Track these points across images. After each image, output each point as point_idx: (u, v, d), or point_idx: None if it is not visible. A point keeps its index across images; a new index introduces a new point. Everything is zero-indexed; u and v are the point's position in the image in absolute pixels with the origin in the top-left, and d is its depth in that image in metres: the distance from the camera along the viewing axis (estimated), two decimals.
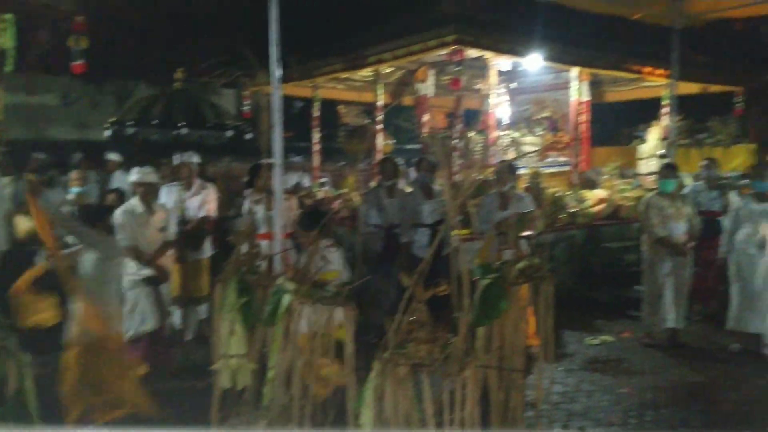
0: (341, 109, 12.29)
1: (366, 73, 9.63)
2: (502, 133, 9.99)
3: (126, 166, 7.79)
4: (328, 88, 10.65)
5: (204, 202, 6.07)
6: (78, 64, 5.89)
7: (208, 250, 6.12)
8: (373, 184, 8.60)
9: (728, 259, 5.95)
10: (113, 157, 9.17)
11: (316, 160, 10.24)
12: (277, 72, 4.59)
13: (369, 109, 12.54)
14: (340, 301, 3.16)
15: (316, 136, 10.15)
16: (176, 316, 5.85)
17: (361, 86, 10.76)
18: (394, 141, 11.40)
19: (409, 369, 2.51)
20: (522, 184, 7.98)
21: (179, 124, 5.07)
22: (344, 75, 9.88)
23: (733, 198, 6.67)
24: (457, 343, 2.54)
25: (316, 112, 10.08)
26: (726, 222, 6.19)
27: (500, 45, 7.93)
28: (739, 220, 5.88)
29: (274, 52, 4.58)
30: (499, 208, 5.54)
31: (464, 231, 6.60)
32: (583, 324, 6.72)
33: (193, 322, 6.03)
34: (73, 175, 7.20)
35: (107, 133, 5.56)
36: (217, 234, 6.48)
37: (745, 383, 5.11)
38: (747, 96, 10.17)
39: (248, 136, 6.08)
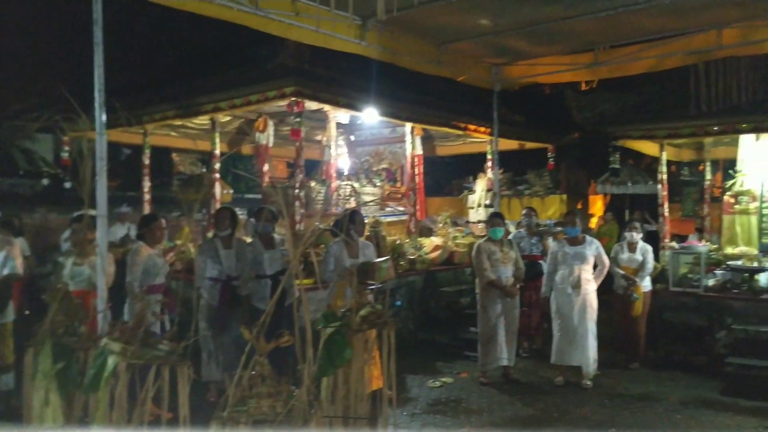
0: (175, 157, 11.80)
1: (202, 120, 9.35)
2: (342, 183, 10.19)
3: None
4: (160, 135, 10.16)
5: (7, 259, 5.38)
6: None
7: (11, 312, 5.41)
8: (209, 234, 8.26)
9: (550, 299, 6.49)
10: None
11: (147, 210, 9.61)
12: (101, 117, 4.29)
13: (205, 157, 12.17)
14: (174, 359, 2.91)
15: (147, 184, 9.56)
16: None
17: (197, 134, 10.41)
18: (233, 190, 11.13)
19: (250, 426, 2.36)
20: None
21: None
22: (178, 122, 9.50)
23: (551, 243, 7.35)
24: (301, 395, 2.45)
25: (146, 160, 9.53)
26: (546, 265, 6.80)
27: (338, 99, 8.15)
28: (556, 262, 6.46)
29: (98, 96, 4.29)
30: (348, 256, 5.57)
31: (307, 281, 6.54)
32: (425, 367, 6.90)
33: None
34: None
35: None
36: (27, 294, 5.77)
37: (568, 413, 5.53)
38: (557, 152, 11.44)
39: (67, 185, 5.52)
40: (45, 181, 5.07)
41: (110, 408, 2.83)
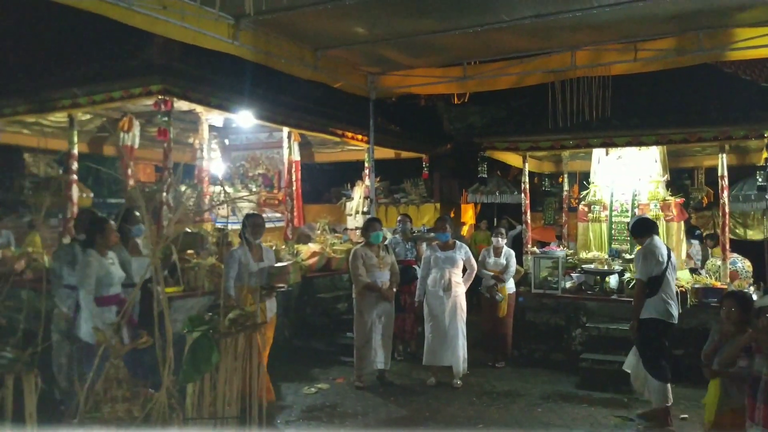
0: (28, 157, 10.79)
1: (59, 117, 8.63)
2: (216, 188, 9.82)
3: None
4: (10, 132, 9.25)
5: None
6: None
7: None
8: (66, 240, 7.61)
9: (423, 302, 6.66)
10: None
11: None
12: None
13: (63, 158, 11.25)
14: (19, 367, 2.64)
15: None
16: None
17: (53, 132, 9.57)
18: (94, 194, 10.38)
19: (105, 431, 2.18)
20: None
21: None
22: (31, 119, 8.71)
23: (424, 248, 7.56)
24: (160, 398, 2.30)
25: None
26: (419, 270, 6.98)
27: (210, 99, 7.86)
28: (429, 266, 6.65)
29: None
30: (254, 260, 5.53)
31: (173, 288, 6.23)
32: (301, 374, 6.80)
33: None
34: None
35: None
36: None
37: (439, 413, 5.68)
38: (431, 162, 11.82)
39: None
40: None
41: None
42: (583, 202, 8.96)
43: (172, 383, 2.53)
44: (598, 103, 7.95)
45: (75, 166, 8.26)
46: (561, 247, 9.02)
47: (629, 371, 5.67)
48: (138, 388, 2.29)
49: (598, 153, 8.89)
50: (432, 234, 8.14)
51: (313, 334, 8.12)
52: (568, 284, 7.69)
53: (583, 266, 7.79)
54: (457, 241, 6.93)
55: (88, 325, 4.21)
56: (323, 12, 6.72)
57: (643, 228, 5.73)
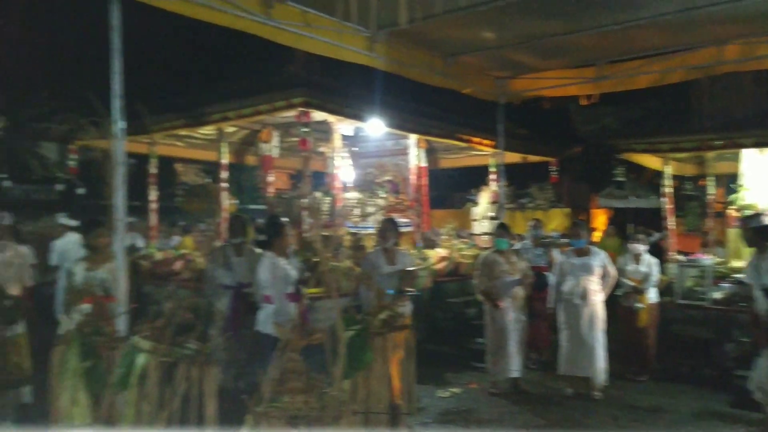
0: (179, 167, 11.83)
1: (208, 131, 9.39)
2: (347, 195, 10.21)
3: None
4: (165, 144, 10.19)
5: (20, 268, 5.38)
6: None
7: (22, 324, 5.35)
8: (218, 243, 8.27)
9: (557, 310, 6.51)
10: None
11: (153, 219, 9.63)
12: (120, 125, 4.31)
13: (209, 167, 12.20)
14: (202, 359, 2.93)
15: (153, 194, 9.56)
16: None
17: (201, 144, 10.43)
18: (237, 201, 11.16)
19: (285, 422, 2.37)
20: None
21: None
22: (184, 132, 9.54)
23: (556, 254, 7.39)
24: (334, 392, 2.46)
25: (152, 170, 9.54)
26: (552, 276, 6.83)
27: (345, 110, 8.21)
28: (563, 273, 6.49)
29: (115, 102, 4.31)
30: (386, 264, 5.74)
31: (315, 290, 6.56)
32: (433, 378, 6.88)
33: (13, 403, 5.18)
34: None
35: None
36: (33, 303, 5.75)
37: (579, 424, 5.52)
38: (559, 166, 11.52)
39: (80, 191, 5.52)
40: (59, 188, 5.06)
41: (139, 405, 2.83)
42: (732, 206, 8.32)
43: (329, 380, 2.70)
44: (750, 99, 7.37)
45: (224, 175, 8.93)
46: (708, 255, 8.43)
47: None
48: (313, 381, 2.47)
49: (748, 153, 8.23)
50: (565, 240, 7.94)
51: (444, 338, 8.18)
52: (718, 295, 7.16)
53: (734, 275, 7.23)
54: (592, 248, 6.72)
55: (271, 319, 4.55)
56: (454, 20, 6.81)
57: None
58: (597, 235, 12.41)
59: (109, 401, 3.17)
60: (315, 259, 7.14)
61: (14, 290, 5.22)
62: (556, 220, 11.51)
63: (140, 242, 8.99)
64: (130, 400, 2.86)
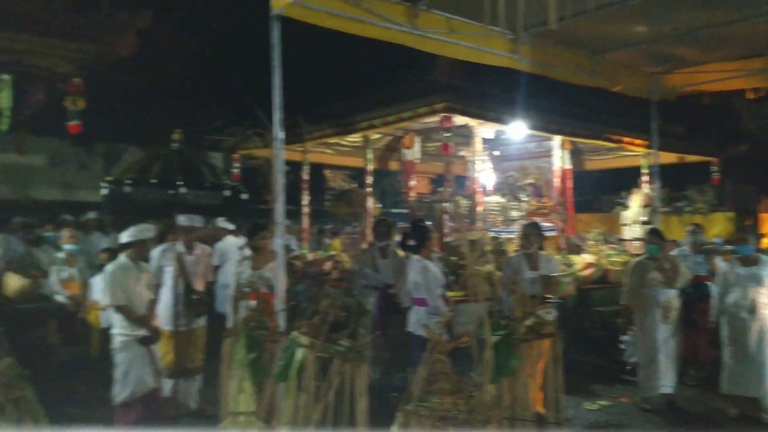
0: (328, 173, 12.45)
1: (355, 138, 9.81)
2: (487, 198, 10.16)
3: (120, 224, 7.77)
4: (316, 152, 10.80)
5: (205, 267, 5.99)
6: (74, 124, 5.90)
7: (203, 318, 5.96)
8: (364, 245, 8.63)
9: (719, 323, 6.00)
10: (91, 216, 9.13)
11: (305, 222, 10.26)
12: (280, 135, 4.65)
13: (354, 173, 12.72)
14: (353, 356, 3.10)
15: (305, 199, 10.19)
16: (167, 385, 5.63)
17: (348, 151, 10.92)
18: (381, 205, 11.51)
19: (434, 421, 2.45)
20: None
21: (177, 183, 5.05)
22: (333, 140, 10.04)
23: (720, 263, 6.80)
24: (483, 395, 2.50)
25: (305, 176, 10.18)
26: (715, 286, 6.29)
27: (487, 113, 8.19)
28: (727, 284, 5.97)
29: (276, 114, 4.65)
30: (528, 269, 5.67)
31: (457, 293, 6.61)
32: (579, 388, 6.63)
33: (191, 392, 5.81)
34: (66, 233, 7.07)
35: (103, 191, 5.50)
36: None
37: None
38: (722, 166, 10.57)
39: (244, 196, 6.07)
40: (226, 193, 5.63)
41: (298, 396, 3.06)
42: None
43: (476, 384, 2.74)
44: None
45: (369, 180, 9.28)
46: None
47: None
48: (462, 383, 2.53)
49: None
50: (730, 247, 7.29)
51: (590, 348, 7.85)
52: None
53: None
54: (762, 256, 6.10)
55: (424, 321, 4.71)
56: (604, 15, 6.52)
57: None
58: (766, 242, 11.22)
59: (270, 391, 3.46)
60: (457, 263, 7.22)
61: (199, 286, 5.81)
62: (717, 226, 10.57)
63: (294, 244, 9.59)
64: (289, 391, 3.10)
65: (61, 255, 6.86)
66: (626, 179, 11.49)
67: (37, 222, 8.34)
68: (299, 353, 3.06)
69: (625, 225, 11.03)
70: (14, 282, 5.41)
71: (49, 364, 5.71)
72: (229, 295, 7.69)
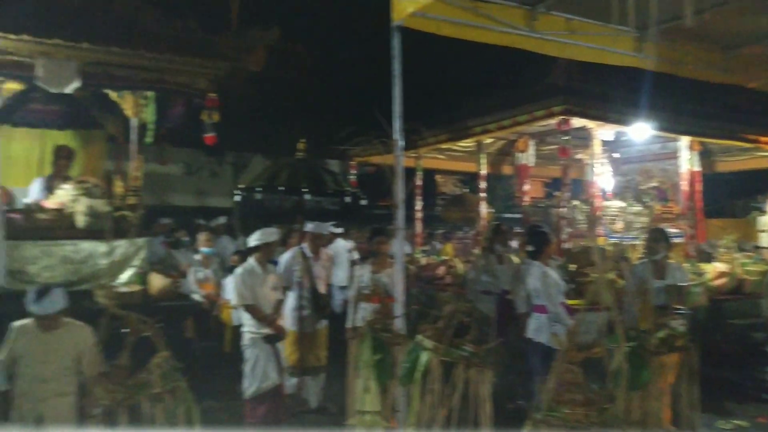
0: (439, 178, 12.53)
1: (467, 143, 9.79)
2: (607, 203, 9.76)
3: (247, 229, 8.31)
4: (428, 157, 10.89)
5: (328, 271, 6.26)
6: (210, 136, 6.36)
7: (326, 320, 6.22)
8: (477, 250, 8.59)
9: None
10: (222, 221, 9.83)
11: (418, 227, 10.39)
12: (400, 143, 4.74)
13: (465, 178, 12.71)
14: (477, 361, 3.12)
15: (418, 204, 10.32)
16: (292, 383, 5.93)
17: (460, 156, 10.92)
18: (494, 210, 11.40)
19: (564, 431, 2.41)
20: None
21: (302, 190, 5.35)
22: (445, 145, 10.08)
23: None
24: (617, 408, 2.43)
25: (418, 181, 10.31)
26: None
27: (607, 115, 7.89)
28: None
29: (396, 122, 4.75)
30: (654, 278, 5.42)
31: (576, 301, 6.41)
32: (712, 406, 6.20)
33: (314, 390, 6.09)
34: (202, 237, 7.67)
35: (236, 198, 5.96)
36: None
37: None
38: None
39: (363, 202, 6.29)
40: (347, 199, 5.86)
41: (423, 399, 3.13)
42: None
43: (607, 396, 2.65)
44: None
45: (482, 185, 9.24)
46: None
47: None
48: (593, 394, 2.47)
49: None
50: None
51: (724, 363, 7.31)
52: None
53: None
54: None
55: (545, 329, 4.67)
56: (742, 8, 6.08)
57: None
58: None
59: (394, 392, 3.56)
60: (577, 270, 7.00)
61: (322, 289, 6.08)
62: None
63: (407, 248, 9.73)
64: (414, 394, 3.18)
65: (197, 257, 7.45)
66: (763, 181, 10.60)
67: (175, 226, 9.08)
68: (423, 357, 3.13)
69: (762, 231, 10.18)
70: (157, 281, 5.92)
71: (187, 357, 6.17)
72: (340, 296, 8.00)
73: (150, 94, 6.44)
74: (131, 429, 3.58)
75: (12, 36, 5.32)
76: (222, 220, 9.65)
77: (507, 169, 11.36)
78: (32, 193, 6.58)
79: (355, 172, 10.53)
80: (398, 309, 4.38)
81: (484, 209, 9.31)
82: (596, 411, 2.42)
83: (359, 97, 8.84)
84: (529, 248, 5.26)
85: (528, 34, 5.87)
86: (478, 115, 8.54)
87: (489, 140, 9.79)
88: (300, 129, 7.80)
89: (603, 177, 10.51)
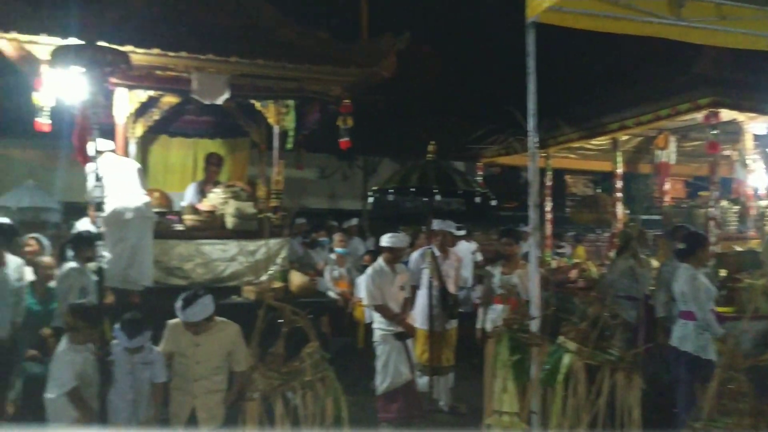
0: (569, 178, 12.11)
1: (601, 141, 9.38)
2: (761, 203, 8.93)
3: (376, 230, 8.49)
4: (557, 157, 10.57)
5: (457, 271, 6.29)
6: (345, 141, 6.62)
7: (456, 320, 6.25)
8: (611, 253, 8.21)
9: None
10: (353, 222, 10.17)
11: (548, 229, 10.11)
12: (535, 142, 4.64)
13: (597, 177, 12.16)
14: (625, 365, 3.00)
15: (548, 205, 10.04)
16: (423, 382, 6.01)
17: (592, 155, 10.48)
18: (629, 211, 10.83)
19: None
20: None
21: (434, 191, 5.40)
22: (576, 144, 9.73)
23: None
24: None
25: (548, 182, 10.04)
26: None
27: (761, 106, 7.22)
28: None
29: (530, 121, 4.65)
30: None
31: (724, 308, 5.94)
32: None
33: (444, 389, 6.15)
34: (337, 237, 8.02)
35: (369, 199, 6.18)
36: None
37: None
38: None
39: (493, 203, 6.19)
40: (477, 200, 5.80)
41: (565, 401, 3.06)
42: None
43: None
44: None
45: (618, 185, 8.82)
46: None
47: None
48: (764, 405, 2.29)
49: None
50: None
51: None
52: None
53: None
54: None
55: (692, 337, 4.42)
56: None
57: None
58: None
59: (533, 393, 3.50)
60: (728, 276, 6.49)
61: (452, 289, 6.12)
62: None
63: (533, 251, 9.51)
64: (556, 396, 3.11)
65: (332, 256, 7.78)
66: None
67: (311, 227, 9.55)
68: (566, 359, 3.06)
69: None
70: (297, 279, 6.25)
71: (324, 352, 6.48)
72: (464, 296, 7.96)
73: (290, 102, 6.82)
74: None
75: (171, 53, 5.86)
76: (353, 221, 9.99)
77: (644, 168, 10.75)
78: (187, 196, 7.22)
79: (481, 173, 10.45)
80: (534, 310, 4.32)
81: (619, 210, 8.87)
82: (766, 423, 2.24)
83: (488, 98, 8.78)
84: (680, 248, 4.91)
85: (673, 23, 5.52)
86: (613, 111, 8.15)
87: (625, 137, 9.32)
88: (429, 131, 7.87)
89: (755, 174, 9.64)
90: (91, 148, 5.09)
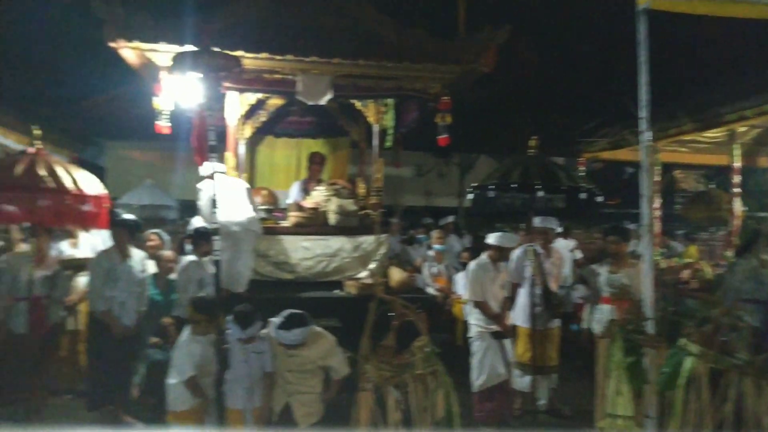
0: (678, 173, 11.45)
1: (714, 133, 8.79)
2: None
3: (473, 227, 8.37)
4: (666, 151, 10.00)
5: (559, 269, 6.14)
6: (443, 138, 6.61)
7: (558, 319, 6.10)
8: (728, 253, 7.70)
9: None
10: (450, 219, 10.17)
11: (656, 227, 9.59)
12: (647, 135, 4.44)
13: (710, 172, 11.41)
14: (754, 371, 2.81)
15: (656, 202, 9.52)
16: (525, 381, 5.91)
17: (705, 148, 9.83)
18: (746, 207, 10.08)
19: None
20: None
21: (536, 187, 5.26)
22: (687, 137, 9.17)
23: None
24: None
25: (656, 177, 9.51)
26: None
27: None
28: None
29: (642, 113, 4.44)
30: None
31: None
32: None
33: (546, 390, 6.02)
34: (435, 234, 8.07)
35: (468, 196, 6.10)
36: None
37: None
38: None
39: (599, 199, 5.92)
40: (582, 196, 5.57)
41: (686, 406, 2.91)
42: None
43: None
44: None
45: (735, 180, 8.27)
46: None
47: None
48: None
49: None
50: None
51: None
52: None
53: None
54: None
55: None
56: None
57: None
58: None
59: (650, 396, 3.35)
60: None
61: (554, 287, 5.97)
62: None
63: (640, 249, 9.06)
64: (677, 400, 2.96)
65: (431, 253, 7.82)
66: None
67: (408, 224, 9.64)
68: (688, 362, 2.90)
69: None
70: (396, 275, 6.33)
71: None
72: (564, 295, 7.72)
73: (389, 101, 6.90)
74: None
75: (278, 57, 6.09)
76: (450, 218, 9.99)
77: (764, 162, 9.97)
78: (292, 194, 7.50)
79: (583, 168, 10.07)
80: (648, 311, 4.13)
81: (737, 207, 8.30)
82: None
83: (592, 91, 8.45)
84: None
85: None
86: (731, 100, 7.61)
87: (743, 129, 8.68)
88: (528, 126, 7.68)
89: None
90: (207, 149, 5.39)
